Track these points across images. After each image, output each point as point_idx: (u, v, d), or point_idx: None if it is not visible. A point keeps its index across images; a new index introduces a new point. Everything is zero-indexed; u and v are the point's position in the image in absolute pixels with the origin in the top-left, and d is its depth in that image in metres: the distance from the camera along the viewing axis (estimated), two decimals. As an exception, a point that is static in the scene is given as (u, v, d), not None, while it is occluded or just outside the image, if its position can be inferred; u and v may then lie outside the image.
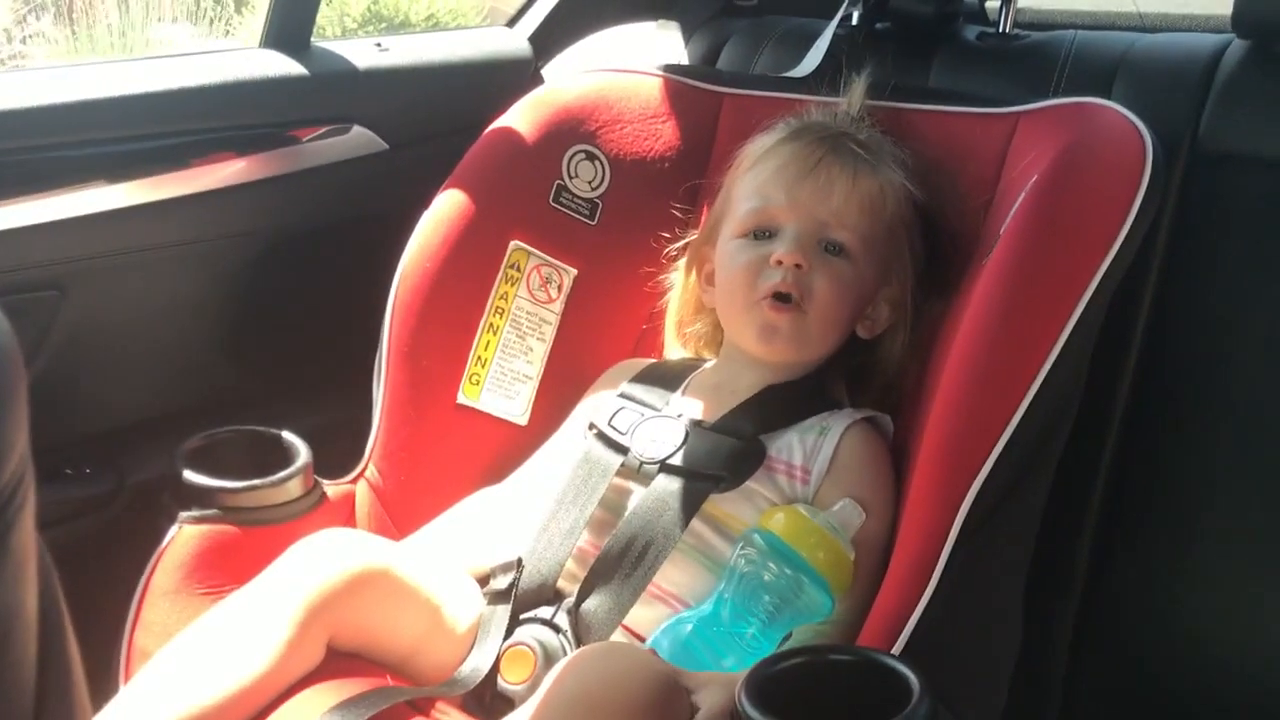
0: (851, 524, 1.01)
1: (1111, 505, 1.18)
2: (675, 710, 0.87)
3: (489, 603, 1.08)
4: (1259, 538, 1.13)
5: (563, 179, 1.30)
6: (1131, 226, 0.98)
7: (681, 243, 1.27)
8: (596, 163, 1.32)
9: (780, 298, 1.11)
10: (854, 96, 1.22)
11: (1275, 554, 1.13)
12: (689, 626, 0.99)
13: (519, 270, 1.28)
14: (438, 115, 1.49)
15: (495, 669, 1.02)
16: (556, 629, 1.04)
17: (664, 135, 1.34)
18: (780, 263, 1.11)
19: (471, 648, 1.05)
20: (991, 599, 0.99)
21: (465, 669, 1.03)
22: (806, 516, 1.00)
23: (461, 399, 1.24)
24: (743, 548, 1.00)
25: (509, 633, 1.05)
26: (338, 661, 1.00)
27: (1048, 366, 0.93)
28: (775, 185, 1.14)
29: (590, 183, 1.31)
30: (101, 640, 1.02)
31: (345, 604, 0.98)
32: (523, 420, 1.27)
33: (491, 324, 1.26)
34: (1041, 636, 1.11)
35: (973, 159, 1.19)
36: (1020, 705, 1.04)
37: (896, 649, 0.88)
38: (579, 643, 1.03)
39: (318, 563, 1.00)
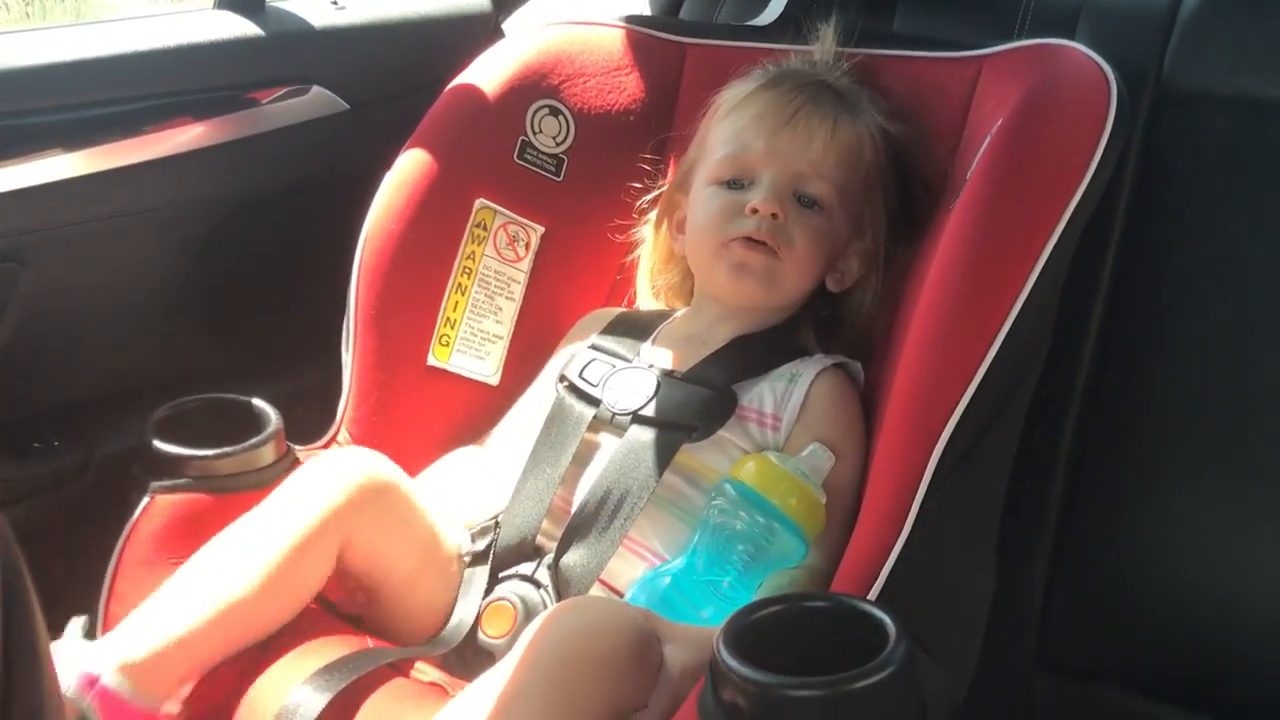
0: (821, 468, 1.02)
1: (1082, 443, 1.19)
2: (651, 658, 0.88)
3: (468, 565, 1.08)
4: (1229, 472, 1.14)
5: (527, 135, 1.29)
6: (1097, 167, 0.98)
7: (651, 195, 1.26)
8: (560, 117, 1.30)
9: (753, 241, 1.11)
10: (825, 43, 1.21)
11: (1245, 487, 1.14)
12: (666, 579, 1.00)
13: (485, 229, 1.27)
14: (398, 73, 1.47)
15: (476, 625, 1.03)
16: (537, 584, 1.05)
17: (628, 88, 1.33)
18: (755, 211, 1.10)
19: (452, 607, 1.05)
20: (966, 541, 1.00)
21: (450, 627, 1.04)
22: (776, 464, 1.01)
23: (431, 360, 1.24)
24: (715, 498, 1.01)
25: (489, 590, 1.05)
26: (319, 624, 1.01)
27: (1017, 308, 0.93)
28: (753, 133, 1.13)
29: (555, 138, 1.30)
30: (76, 611, 1.01)
31: (356, 512, 1.01)
32: (494, 380, 1.27)
33: (459, 284, 1.26)
34: (1015, 575, 1.12)
35: (938, 104, 1.19)
36: (996, 644, 1.05)
37: (872, 594, 0.89)
38: (559, 597, 1.03)
39: (332, 472, 1.03)
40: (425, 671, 1.01)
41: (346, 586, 1.05)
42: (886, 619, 0.79)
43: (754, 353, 1.13)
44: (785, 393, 1.08)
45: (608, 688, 0.85)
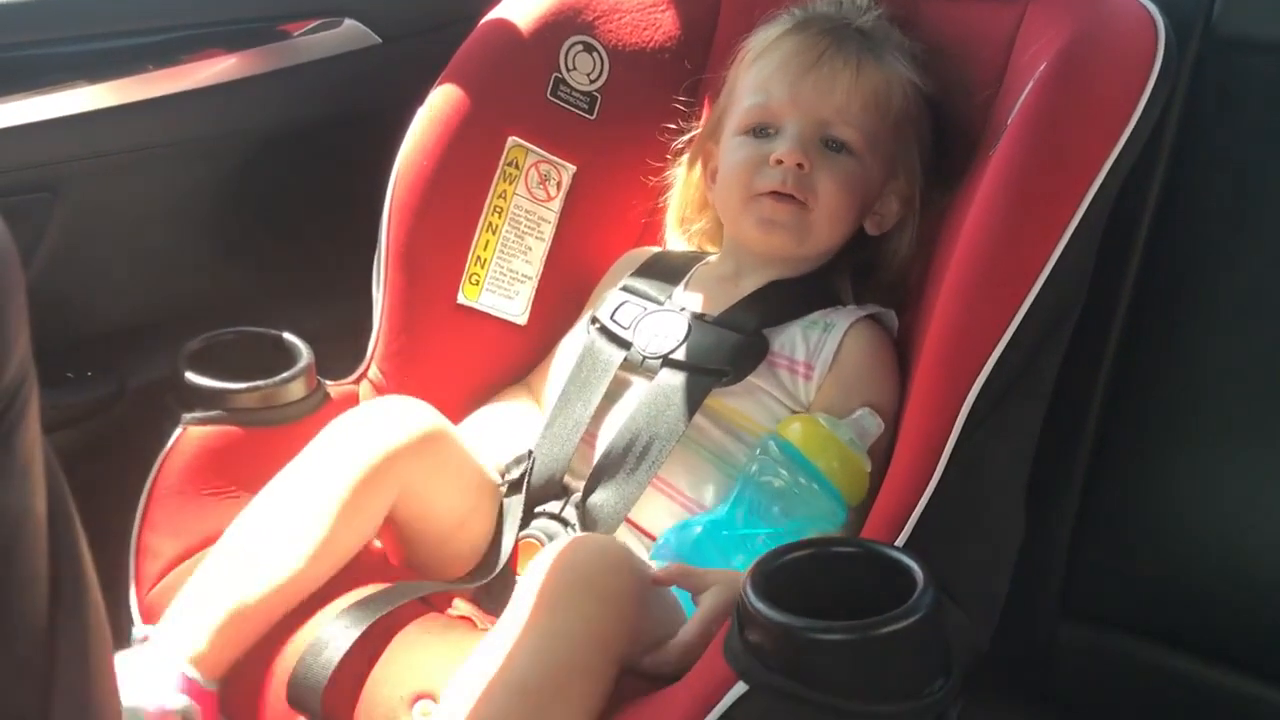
0: (869, 434, 1.01)
1: (1113, 393, 1.18)
2: (649, 601, 0.90)
3: (505, 494, 1.09)
4: (1261, 424, 1.13)
5: (560, 72, 1.27)
6: (1142, 115, 0.96)
7: (685, 137, 1.25)
8: (595, 54, 1.29)
9: (781, 195, 1.09)
10: None
11: (1272, 444, 1.13)
12: (698, 528, 1.00)
13: (517, 168, 1.26)
14: (431, 7, 1.44)
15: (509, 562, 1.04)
16: (565, 523, 1.05)
17: (663, 25, 1.31)
18: (780, 162, 1.09)
19: (489, 538, 1.06)
20: (996, 488, 0.99)
21: (482, 564, 1.05)
22: (824, 426, 1.00)
23: (461, 299, 1.24)
24: (759, 454, 1.01)
25: (523, 525, 1.06)
26: (351, 560, 1.01)
27: (1054, 258, 0.92)
28: (777, 81, 1.12)
29: (589, 75, 1.29)
30: (109, 540, 1.03)
31: (409, 461, 1.01)
32: (522, 320, 1.27)
33: (490, 223, 1.25)
34: (1042, 524, 1.12)
35: (980, 47, 1.17)
36: (1020, 591, 1.05)
37: (901, 540, 0.89)
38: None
39: (384, 420, 1.02)
40: (458, 606, 1.02)
41: (389, 535, 1.06)
42: (914, 565, 0.79)
43: (787, 298, 1.12)
44: (819, 342, 1.08)
45: (604, 621, 0.86)
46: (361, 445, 1.00)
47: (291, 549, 0.95)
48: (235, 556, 0.96)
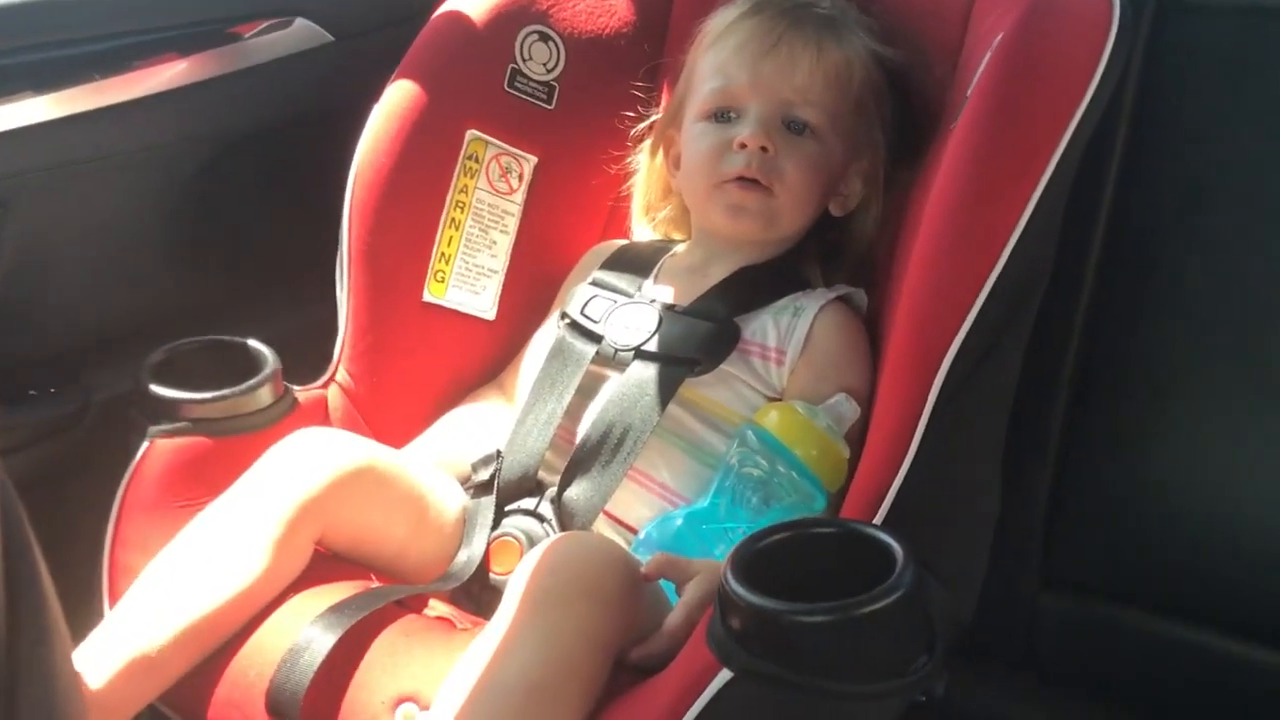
0: (846, 419, 1.01)
1: (1085, 363, 1.19)
2: (639, 590, 0.89)
3: (472, 496, 1.08)
4: (1232, 388, 1.14)
5: (516, 62, 1.26)
6: (1100, 81, 0.96)
7: (645, 124, 1.24)
8: (550, 43, 1.27)
9: (746, 181, 1.09)
10: None
11: (1246, 407, 1.14)
12: (679, 520, 0.99)
13: (477, 161, 1.25)
14: (383, 2, 1.43)
15: (484, 562, 1.03)
16: (540, 519, 1.05)
17: (618, 10, 1.30)
18: (744, 146, 1.08)
19: (458, 543, 1.05)
20: (971, 463, 1.00)
21: (457, 563, 1.04)
22: (800, 413, 1.00)
23: (427, 297, 1.22)
24: (737, 445, 1.00)
25: (495, 525, 1.05)
26: (323, 566, 1.01)
27: (1020, 228, 0.92)
28: (736, 64, 1.11)
29: (545, 65, 1.27)
30: (81, 558, 1.01)
31: (332, 502, 0.99)
32: (490, 315, 1.26)
33: (453, 219, 1.24)
34: (1019, 494, 1.12)
35: (935, 22, 1.16)
36: (1000, 563, 1.05)
37: (879, 518, 0.89)
38: (563, 530, 1.03)
39: (302, 462, 1.00)
40: (435, 607, 1.01)
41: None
42: (893, 543, 0.79)
43: (756, 284, 1.12)
44: (789, 326, 1.07)
45: (599, 620, 0.85)
46: (275, 495, 0.97)
47: (201, 600, 0.92)
48: (146, 609, 0.93)
